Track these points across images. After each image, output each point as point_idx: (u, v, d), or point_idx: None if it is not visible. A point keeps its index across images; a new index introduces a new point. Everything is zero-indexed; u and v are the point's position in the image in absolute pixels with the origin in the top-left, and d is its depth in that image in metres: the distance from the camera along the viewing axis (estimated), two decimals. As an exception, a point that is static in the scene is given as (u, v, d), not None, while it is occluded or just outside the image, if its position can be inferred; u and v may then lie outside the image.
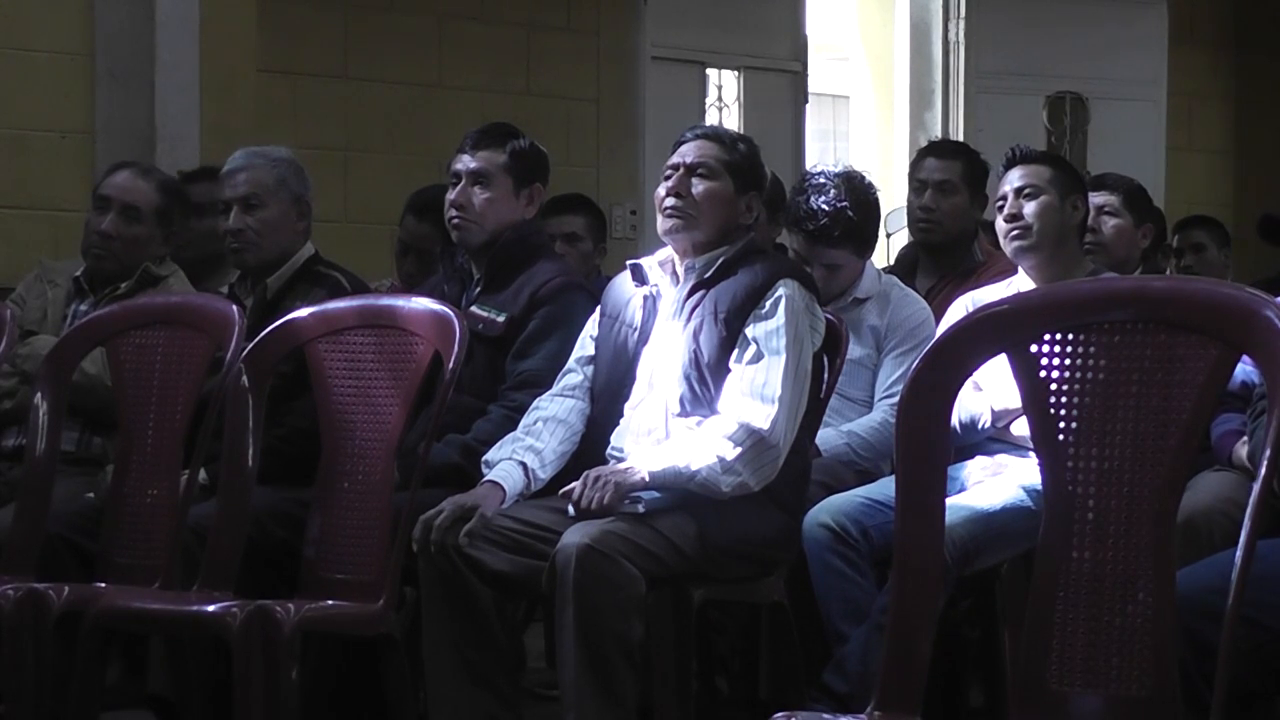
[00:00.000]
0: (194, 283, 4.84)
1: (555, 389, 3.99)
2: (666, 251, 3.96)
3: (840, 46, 10.90)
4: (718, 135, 3.97)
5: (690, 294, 3.87)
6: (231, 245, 4.43)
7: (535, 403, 3.97)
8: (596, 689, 3.52)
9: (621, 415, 3.90)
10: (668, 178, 3.91)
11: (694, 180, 3.89)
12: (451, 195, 4.30)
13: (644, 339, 3.91)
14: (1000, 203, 4.28)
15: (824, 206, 4.46)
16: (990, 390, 4.06)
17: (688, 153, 3.92)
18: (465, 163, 4.30)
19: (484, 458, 3.88)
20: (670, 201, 3.88)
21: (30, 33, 5.92)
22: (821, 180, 4.52)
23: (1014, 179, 4.27)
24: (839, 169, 4.61)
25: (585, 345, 4.03)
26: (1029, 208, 4.22)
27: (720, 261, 3.87)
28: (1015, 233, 4.22)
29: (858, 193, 4.52)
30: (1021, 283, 4.28)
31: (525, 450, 3.84)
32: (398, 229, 5.37)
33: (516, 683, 3.78)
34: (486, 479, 3.79)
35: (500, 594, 3.77)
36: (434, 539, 3.64)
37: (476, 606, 3.72)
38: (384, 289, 5.09)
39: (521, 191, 4.33)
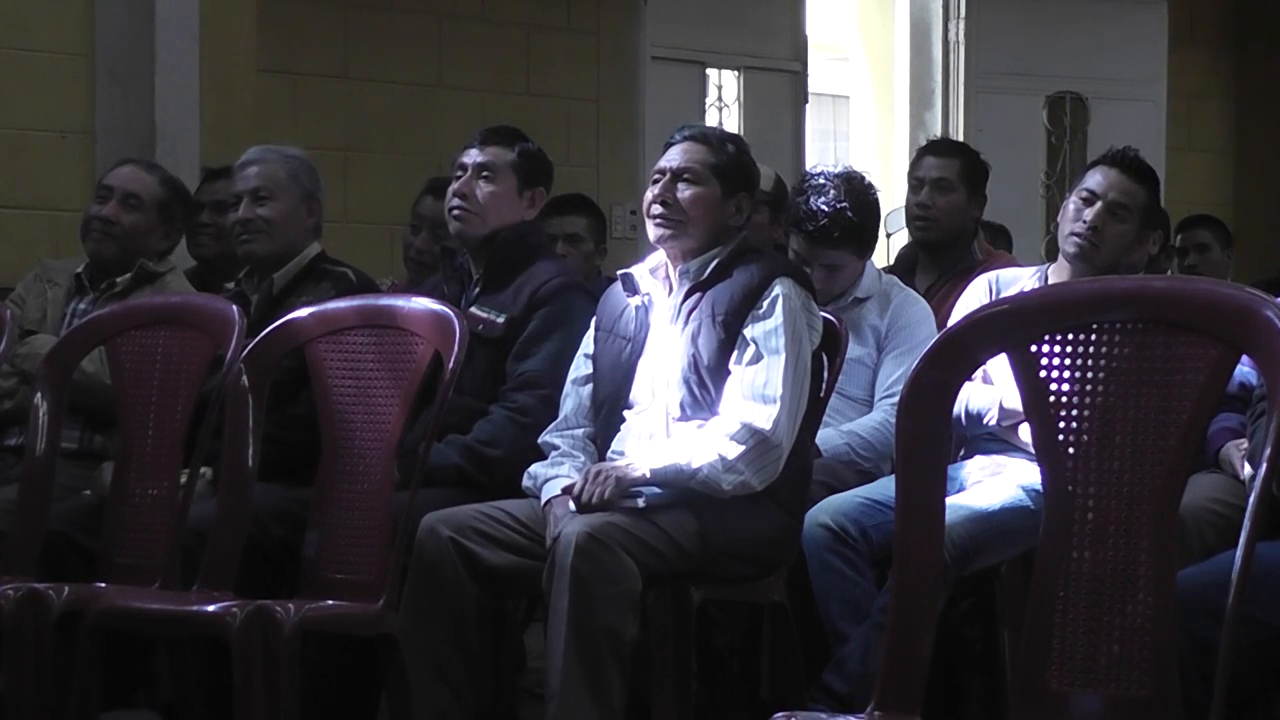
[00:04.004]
0: (214, 279, 4.84)
1: (559, 423, 3.99)
2: (657, 257, 3.95)
3: (840, 46, 10.90)
4: (705, 137, 3.94)
5: (686, 297, 3.86)
6: (239, 236, 4.44)
7: (551, 438, 3.96)
8: (583, 681, 3.52)
9: (623, 422, 3.90)
10: (655, 182, 3.90)
11: (680, 185, 3.87)
12: (455, 185, 4.31)
13: (638, 349, 3.90)
14: (1084, 194, 4.14)
15: (824, 207, 4.45)
16: (1001, 385, 4.05)
17: (674, 157, 3.90)
18: (473, 156, 4.31)
19: (535, 475, 3.87)
20: (657, 209, 3.87)
21: (30, 33, 5.92)
22: (821, 181, 4.51)
23: (1109, 187, 4.13)
24: (839, 169, 4.61)
25: (581, 365, 4.03)
26: (1112, 229, 4.10)
27: (714, 263, 3.86)
28: (1085, 240, 4.10)
29: (857, 193, 4.52)
30: (1053, 278, 4.22)
31: (576, 470, 3.83)
32: (412, 209, 5.35)
33: (480, 688, 3.78)
34: (559, 483, 3.77)
35: (491, 593, 3.78)
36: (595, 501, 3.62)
37: (458, 604, 3.73)
38: (385, 288, 5.09)
39: (525, 193, 4.34)
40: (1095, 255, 4.12)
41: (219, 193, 4.92)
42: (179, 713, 3.84)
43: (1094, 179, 4.16)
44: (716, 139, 3.95)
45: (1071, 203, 4.18)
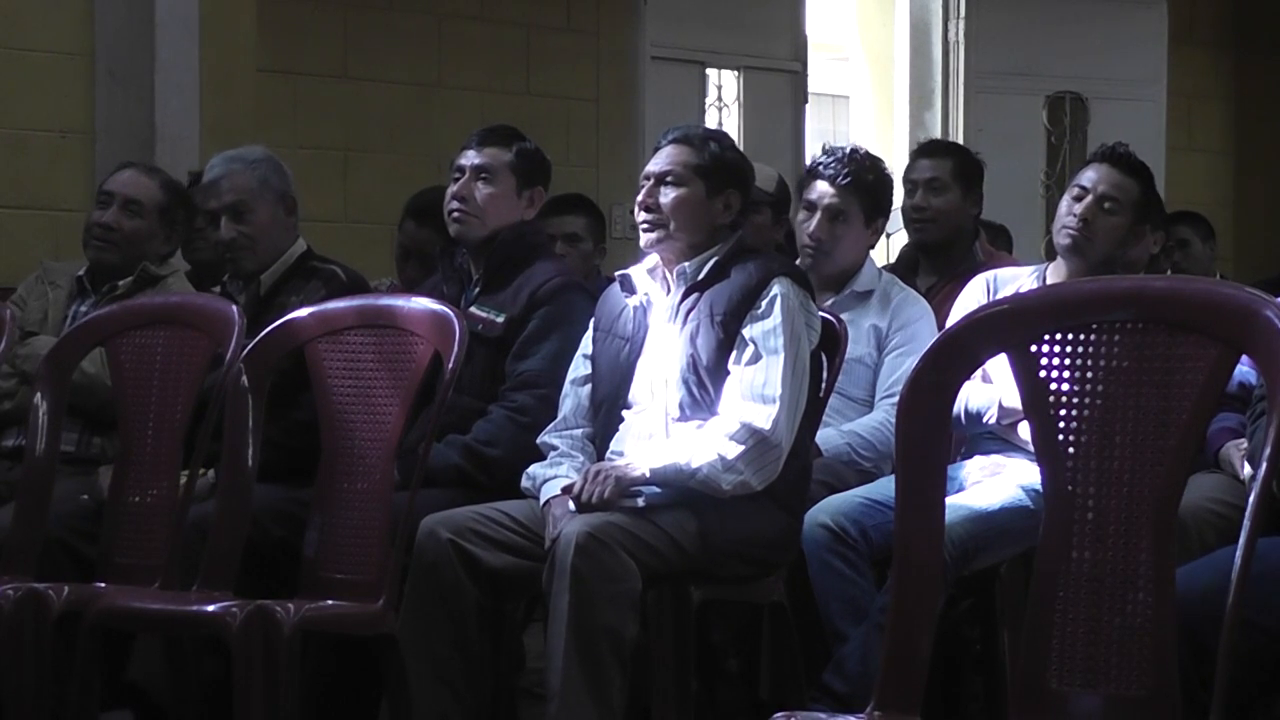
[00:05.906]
0: (210, 283, 4.85)
1: (557, 423, 3.99)
2: (655, 258, 3.95)
3: (840, 46, 10.90)
4: (687, 138, 3.93)
5: (684, 298, 3.86)
6: (227, 256, 4.45)
7: (550, 439, 3.96)
8: (583, 681, 3.52)
9: (621, 422, 3.90)
10: (642, 188, 3.91)
11: (664, 189, 3.87)
12: (453, 188, 4.31)
13: (636, 349, 3.90)
14: (1075, 191, 4.18)
15: (841, 155, 4.53)
16: (1000, 384, 4.05)
17: (658, 161, 3.91)
18: (470, 158, 4.31)
19: (534, 476, 3.87)
20: (642, 215, 3.88)
21: (30, 33, 5.92)
22: (838, 146, 4.63)
23: (1099, 181, 4.16)
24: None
25: (579, 365, 4.03)
26: (1102, 221, 4.13)
27: (712, 263, 3.86)
28: (1076, 231, 4.13)
29: (873, 160, 4.62)
30: (1051, 277, 4.24)
31: (574, 471, 3.84)
32: (397, 232, 5.36)
33: (480, 689, 3.78)
34: (558, 484, 3.77)
35: (491, 594, 3.78)
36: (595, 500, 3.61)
37: (458, 605, 3.73)
38: (384, 288, 5.09)
39: (524, 193, 4.34)
40: (1088, 248, 4.14)
41: None
42: (178, 713, 3.84)
43: (1085, 176, 4.21)
44: (699, 139, 3.94)
45: (1064, 201, 4.21)
